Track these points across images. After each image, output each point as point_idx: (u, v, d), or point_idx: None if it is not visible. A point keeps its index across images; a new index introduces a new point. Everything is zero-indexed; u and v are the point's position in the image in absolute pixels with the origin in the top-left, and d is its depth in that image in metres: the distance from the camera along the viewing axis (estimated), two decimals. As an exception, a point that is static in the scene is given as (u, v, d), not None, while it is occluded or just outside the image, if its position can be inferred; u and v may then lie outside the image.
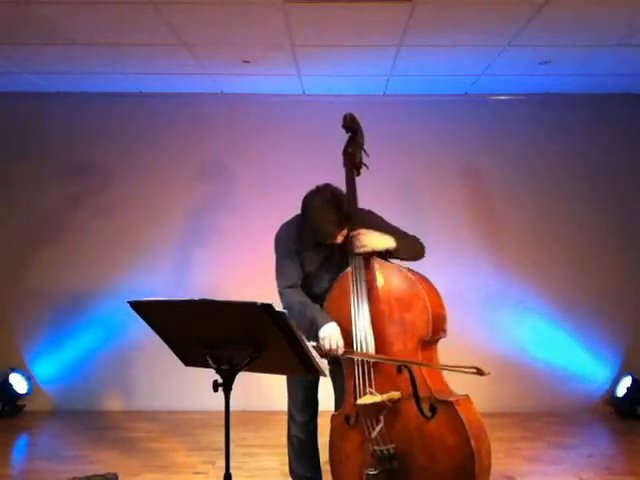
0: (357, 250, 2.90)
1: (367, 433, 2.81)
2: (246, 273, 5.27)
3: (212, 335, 2.31)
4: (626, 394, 5.12)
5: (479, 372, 2.67)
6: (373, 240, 2.91)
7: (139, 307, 2.35)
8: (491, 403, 4.94)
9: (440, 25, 3.87)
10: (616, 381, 5.25)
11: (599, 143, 5.38)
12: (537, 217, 5.37)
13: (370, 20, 3.76)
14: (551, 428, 4.89)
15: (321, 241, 2.97)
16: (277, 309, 2.15)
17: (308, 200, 2.98)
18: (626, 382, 5.13)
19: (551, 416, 5.13)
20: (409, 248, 3.03)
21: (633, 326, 5.32)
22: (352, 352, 2.84)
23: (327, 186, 2.99)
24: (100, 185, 5.40)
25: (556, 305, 5.30)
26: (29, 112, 5.42)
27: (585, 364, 5.33)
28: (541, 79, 4.96)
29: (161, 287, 5.18)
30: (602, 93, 5.25)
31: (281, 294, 3.05)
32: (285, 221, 3.19)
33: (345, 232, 2.95)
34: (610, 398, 5.30)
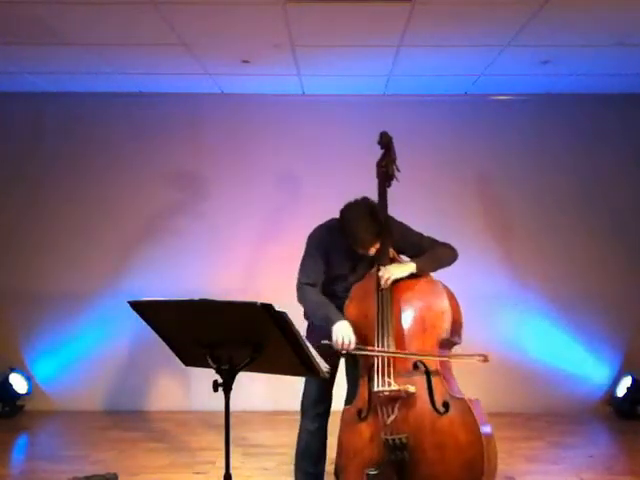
0: (384, 284, 3.03)
1: (381, 420, 2.87)
2: (247, 273, 5.27)
3: (212, 335, 2.30)
4: (626, 394, 5.11)
5: (484, 359, 2.89)
6: (395, 273, 3.04)
7: (139, 307, 2.35)
8: (491, 403, 4.91)
9: (440, 25, 3.87)
10: (616, 381, 5.25)
11: (600, 143, 5.37)
12: (537, 217, 5.37)
13: (370, 20, 3.76)
14: (551, 428, 4.89)
15: (355, 250, 3.10)
16: (277, 309, 2.15)
17: (346, 211, 3.12)
18: (626, 382, 5.13)
19: (551, 416, 5.13)
20: (435, 261, 3.17)
21: (633, 326, 5.32)
22: (364, 349, 2.96)
23: (365, 199, 3.14)
24: (99, 185, 5.40)
25: (556, 305, 5.30)
26: (29, 112, 5.43)
27: (585, 364, 5.33)
28: (541, 79, 4.96)
29: (161, 287, 5.18)
30: (602, 93, 5.24)
31: (299, 288, 3.15)
32: (320, 223, 3.29)
33: (378, 245, 3.08)
34: (610, 398, 5.30)
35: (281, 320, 2.17)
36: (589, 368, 5.33)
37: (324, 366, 2.53)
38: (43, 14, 3.70)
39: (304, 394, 3.31)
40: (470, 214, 5.35)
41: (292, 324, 2.20)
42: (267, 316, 2.15)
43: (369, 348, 2.96)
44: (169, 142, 5.41)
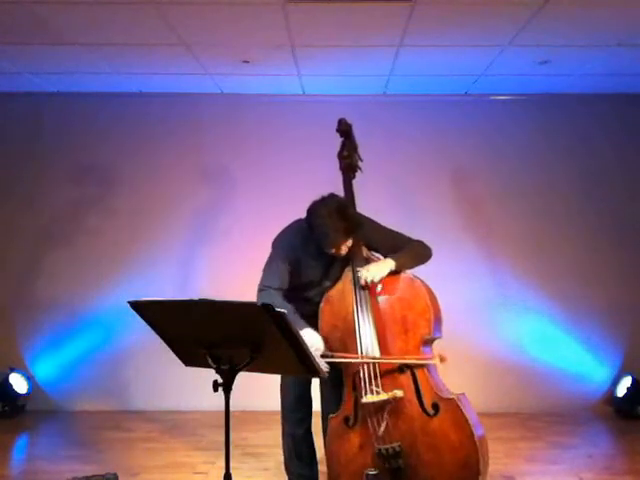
0: (364, 282, 2.93)
1: (372, 431, 2.84)
2: (246, 274, 5.26)
3: (212, 335, 2.30)
4: (626, 394, 5.11)
5: (441, 359, 2.84)
6: (376, 272, 2.93)
7: (139, 307, 2.34)
8: (491, 403, 4.94)
9: (440, 25, 3.87)
10: (616, 381, 5.25)
11: (599, 143, 5.37)
12: (537, 217, 5.36)
13: (370, 20, 3.76)
14: (551, 428, 4.89)
15: (325, 249, 2.98)
16: (277, 309, 2.15)
17: (314, 209, 2.98)
18: (626, 382, 5.13)
19: (551, 416, 5.13)
20: (413, 258, 3.05)
21: (633, 326, 5.31)
22: (332, 356, 2.89)
23: (332, 196, 3.01)
24: (99, 186, 5.40)
25: (556, 305, 5.30)
26: (29, 112, 5.42)
27: (585, 364, 5.33)
28: (541, 79, 4.96)
29: (160, 287, 5.19)
30: (602, 93, 5.24)
31: (261, 290, 3.02)
32: (287, 225, 3.18)
33: (350, 243, 2.97)
34: (610, 398, 5.30)
35: (281, 320, 2.17)
36: (589, 368, 5.33)
37: (324, 366, 2.53)
38: (43, 14, 3.70)
39: (282, 400, 3.25)
40: (470, 213, 5.35)
41: (291, 324, 2.20)
42: (267, 316, 2.15)
43: (337, 355, 2.90)
44: (169, 142, 5.41)
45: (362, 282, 2.94)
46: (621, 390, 5.16)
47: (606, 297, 5.31)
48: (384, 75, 4.87)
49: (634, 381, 5.10)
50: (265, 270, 3.09)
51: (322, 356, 2.84)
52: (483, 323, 5.27)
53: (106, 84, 5.14)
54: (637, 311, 5.32)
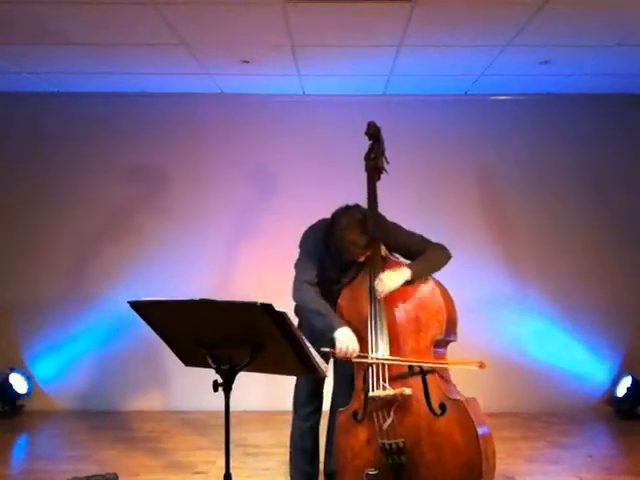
0: (379, 296, 2.96)
1: (377, 425, 2.85)
2: (248, 273, 5.27)
3: (212, 335, 2.30)
4: (626, 394, 5.11)
5: (481, 365, 2.81)
6: (390, 284, 2.95)
7: (139, 307, 2.34)
8: (491, 403, 4.92)
9: (440, 25, 3.87)
10: (616, 381, 5.25)
11: (599, 143, 5.37)
12: (537, 217, 5.37)
13: (370, 20, 3.77)
14: (551, 428, 4.89)
15: (343, 258, 3.05)
16: (277, 309, 2.15)
17: (337, 217, 3.04)
18: (626, 382, 5.13)
19: (551, 416, 5.13)
20: (429, 267, 3.05)
21: (633, 326, 5.32)
22: (365, 357, 2.91)
23: (357, 206, 3.07)
24: (98, 185, 5.40)
25: (556, 305, 5.30)
26: (29, 112, 5.42)
27: (585, 364, 5.33)
28: (541, 79, 4.96)
29: (161, 287, 5.18)
30: (602, 93, 5.25)
31: (298, 288, 3.09)
32: (310, 225, 3.24)
33: (368, 252, 3.02)
34: (610, 398, 5.30)
35: (281, 320, 2.17)
36: (589, 368, 5.33)
37: (324, 366, 2.53)
38: (43, 14, 3.70)
39: (295, 393, 3.30)
40: (470, 214, 5.35)
41: (292, 324, 2.20)
42: (267, 316, 2.15)
43: (370, 356, 2.90)
44: (168, 142, 5.41)
45: (378, 295, 2.96)
46: (621, 390, 5.16)
47: (606, 297, 5.31)
48: (384, 75, 4.87)
49: (634, 381, 5.10)
50: (297, 267, 3.16)
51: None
52: (483, 323, 5.26)
53: (106, 84, 5.14)
54: (637, 311, 5.32)
